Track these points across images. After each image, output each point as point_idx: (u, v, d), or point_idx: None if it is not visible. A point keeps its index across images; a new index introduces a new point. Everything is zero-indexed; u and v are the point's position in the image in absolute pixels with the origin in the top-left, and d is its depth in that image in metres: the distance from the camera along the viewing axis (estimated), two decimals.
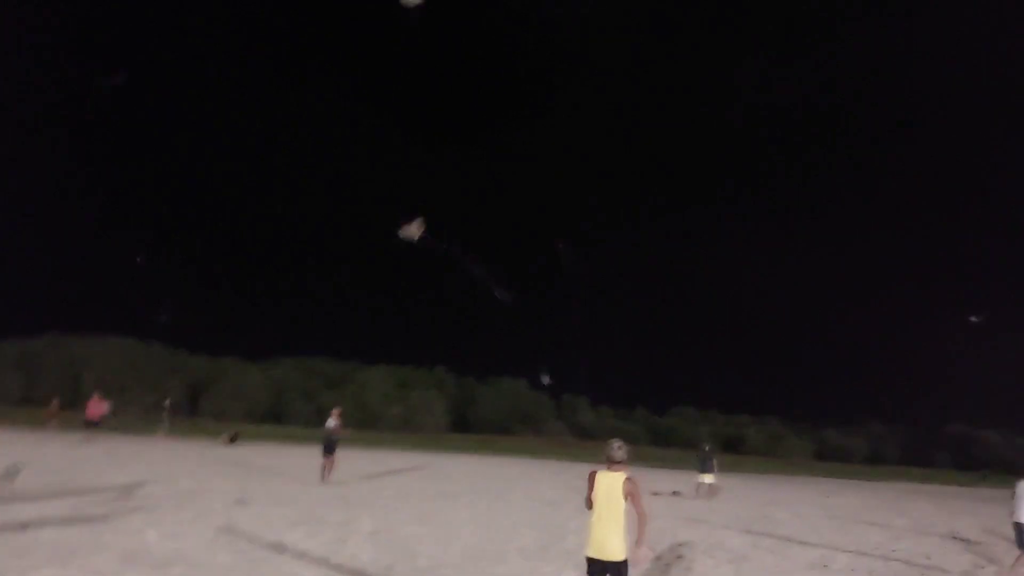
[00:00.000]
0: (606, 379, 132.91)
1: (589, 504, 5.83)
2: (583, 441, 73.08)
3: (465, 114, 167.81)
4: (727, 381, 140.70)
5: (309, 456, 28.31)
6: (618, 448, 5.87)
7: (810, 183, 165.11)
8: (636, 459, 51.55)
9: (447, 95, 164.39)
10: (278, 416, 67.11)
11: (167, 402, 38.88)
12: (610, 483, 5.73)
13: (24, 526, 9.53)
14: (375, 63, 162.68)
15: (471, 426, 76.33)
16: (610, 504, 5.66)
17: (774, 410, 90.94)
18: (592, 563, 5.66)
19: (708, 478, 22.78)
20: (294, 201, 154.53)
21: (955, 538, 16.29)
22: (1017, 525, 10.74)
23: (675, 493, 24.18)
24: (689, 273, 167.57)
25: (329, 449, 18.83)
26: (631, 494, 5.63)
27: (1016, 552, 10.99)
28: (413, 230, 9.33)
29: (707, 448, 23.63)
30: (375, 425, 66.59)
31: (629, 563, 5.60)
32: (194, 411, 62.37)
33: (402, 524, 12.44)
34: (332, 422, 19.03)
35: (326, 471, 18.87)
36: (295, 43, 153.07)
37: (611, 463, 5.83)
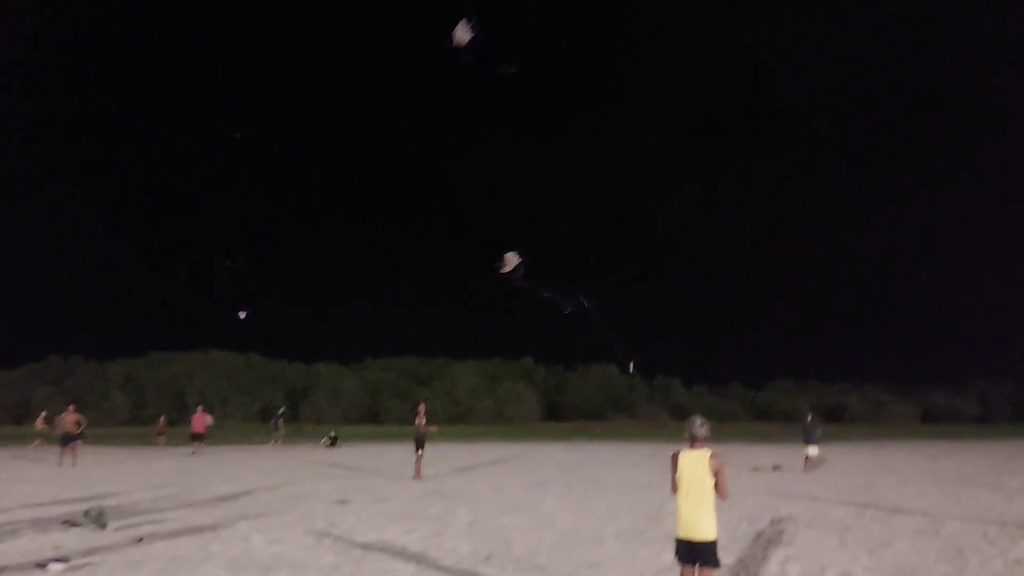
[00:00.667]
0: (699, 358, 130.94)
1: (674, 487, 5.72)
2: (678, 422, 72.30)
3: (528, 105, 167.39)
4: (825, 350, 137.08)
5: (405, 454, 28.86)
6: (700, 425, 5.76)
7: (900, 141, 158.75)
8: (735, 435, 50.84)
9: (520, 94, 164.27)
10: (374, 416, 68.63)
11: (281, 411, 40.03)
12: (695, 461, 5.61)
13: (138, 540, 10.00)
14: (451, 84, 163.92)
15: (562, 414, 76.41)
16: (697, 482, 5.55)
17: (875, 376, 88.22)
18: (682, 544, 5.57)
19: (812, 449, 22.21)
20: (375, 205, 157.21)
21: None
22: None
23: (776, 467, 23.67)
24: (780, 244, 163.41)
25: (419, 445, 19.17)
26: (717, 471, 5.51)
27: None
28: (510, 262, 9.44)
29: (810, 419, 23.00)
30: (467, 419, 67.37)
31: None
32: (294, 417, 64.31)
33: (497, 515, 12.56)
34: (418, 419, 19.41)
35: (415, 470, 19.24)
36: (364, 60, 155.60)
37: (694, 440, 5.72)
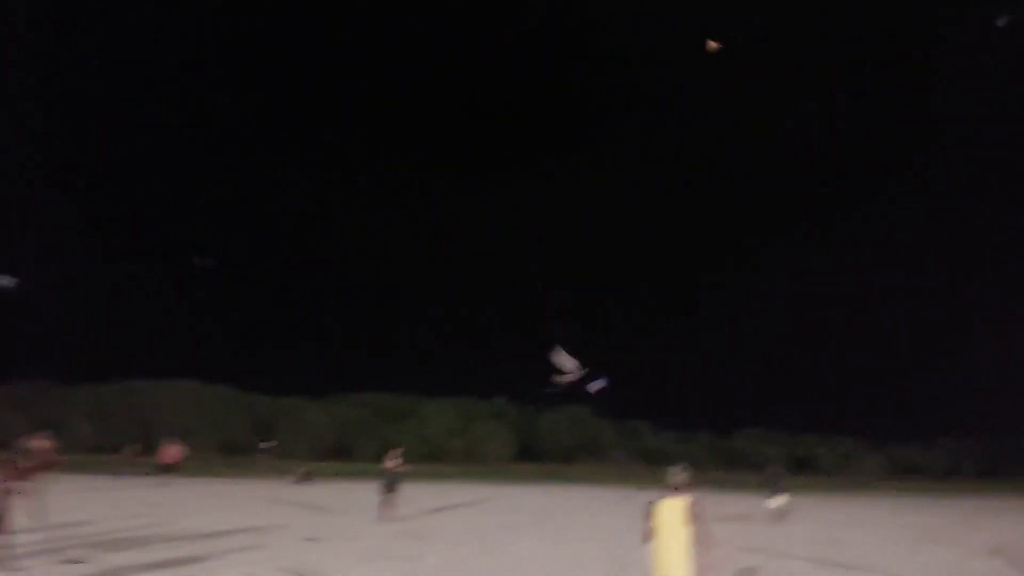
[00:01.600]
0: (668, 403, 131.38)
1: (647, 535, 5.80)
2: (647, 467, 72.36)
3: (510, 145, 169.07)
4: (794, 401, 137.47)
5: (375, 492, 28.84)
6: (679, 473, 5.90)
7: (867, 195, 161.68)
8: (701, 483, 51.05)
9: (500, 127, 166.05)
10: (341, 452, 68.05)
11: (268, 445, 39.78)
12: (672, 509, 5.70)
13: (108, 572, 10.08)
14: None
15: (535, 455, 76.27)
16: (675, 530, 5.62)
17: (845, 429, 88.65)
18: None
19: (778, 500, 22.47)
20: (346, 238, 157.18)
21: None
22: None
23: (742, 517, 23.93)
24: (750, 292, 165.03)
25: (390, 487, 19.19)
26: (697, 517, 5.59)
27: None
28: (570, 370, 9.77)
29: (775, 470, 23.33)
30: (439, 458, 67.03)
31: None
32: (256, 452, 63.78)
33: (469, 557, 12.73)
34: (391, 461, 19.50)
35: (386, 509, 19.17)
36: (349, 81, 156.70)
37: (673, 488, 5.83)
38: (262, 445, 40.25)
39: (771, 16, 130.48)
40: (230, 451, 62.12)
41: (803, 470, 76.41)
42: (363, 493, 29.00)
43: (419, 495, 28.57)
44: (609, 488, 44.07)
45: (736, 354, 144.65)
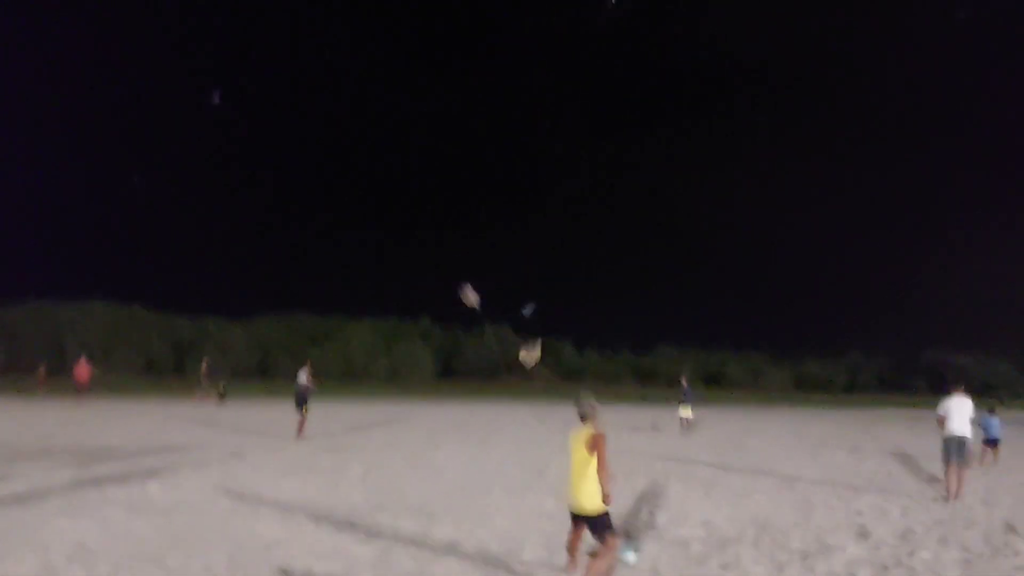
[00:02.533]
0: (590, 321, 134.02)
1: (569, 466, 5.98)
2: (570, 383, 74.20)
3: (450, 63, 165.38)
4: (707, 319, 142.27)
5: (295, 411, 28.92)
6: (583, 402, 5.98)
7: (784, 112, 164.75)
8: (621, 397, 52.82)
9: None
10: (264, 373, 67.59)
11: (204, 364, 39.03)
12: (578, 439, 5.87)
13: (32, 486, 10.03)
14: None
15: (458, 375, 77.26)
16: (580, 459, 5.79)
17: (754, 344, 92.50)
18: (573, 516, 5.92)
19: (686, 411, 23.36)
20: (269, 151, 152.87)
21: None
22: (949, 439, 11.25)
23: (654, 427, 25.01)
24: (666, 213, 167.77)
25: (301, 403, 18.48)
26: (594, 448, 5.70)
27: (947, 467, 11.29)
28: (470, 298, 9.62)
29: (684, 383, 24.25)
30: (362, 378, 67.27)
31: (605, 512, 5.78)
32: (179, 371, 62.65)
33: (391, 468, 13.06)
34: (303, 376, 18.98)
35: (300, 426, 18.50)
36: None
37: (582, 419, 5.97)
38: (202, 366, 39.51)
39: None
40: (150, 372, 61.03)
41: (714, 384, 79.62)
42: (284, 411, 29.09)
43: (342, 413, 28.80)
44: (530, 404, 45.13)
45: (652, 275, 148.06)
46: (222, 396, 35.14)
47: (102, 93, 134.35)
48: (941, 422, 11.54)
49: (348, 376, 65.70)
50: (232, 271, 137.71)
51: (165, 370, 61.67)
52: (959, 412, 11.35)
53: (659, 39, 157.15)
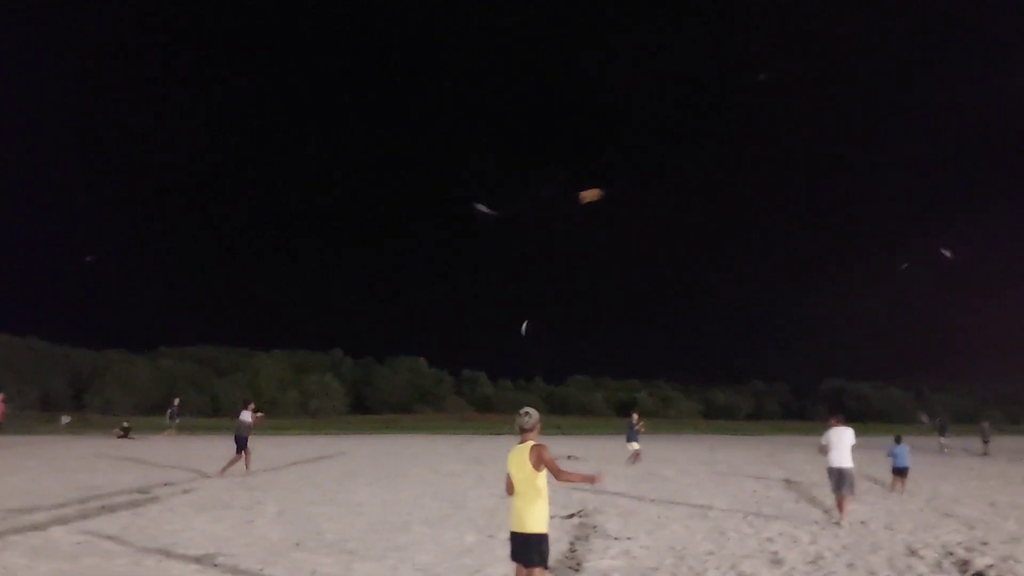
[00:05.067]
0: (505, 353, 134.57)
1: (509, 488, 5.72)
2: (484, 414, 74.13)
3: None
4: (619, 349, 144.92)
5: (205, 446, 28.08)
6: (524, 415, 5.73)
7: (686, 147, 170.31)
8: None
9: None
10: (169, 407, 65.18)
11: (176, 401, 37.45)
12: (521, 454, 5.62)
13: None
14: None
15: (370, 407, 76.24)
16: (524, 476, 5.56)
17: (664, 374, 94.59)
18: (514, 537, 5.60)
19: (634, 445, 23.68)
20: (173, 179, 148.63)
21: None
22: (830, 470, 11.81)
23: (570, 457, 25.24)
24: (578, 247, 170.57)
25: (242, 443, 18.29)
26: (539, 460, 5.50)
27: (836, 495, 11.81)
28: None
29: (633, 418, 24.56)
30: (272, 411, 65.65)
31: (597, 482, 5.71)
32: (78, 406, 59.82)
33: (307, 504, 12.82)
34: (246, 415, 18.86)
35: (246, 464, 18.38)
36: None
37: (521, 432, 5.73)
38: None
39: None
40: (46, 406, 58.08)
41: (625, 413, 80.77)
42: (192, 447, 28.17)
43: (254, 447, 27.99)
44: (446, 436, 44.91)
45: (565, 306, 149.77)
46: (125, 433, 33.89)
47: None
48: (823, 450, 12.06)
49: (257, 409, 63.90)
50: (135, 302, 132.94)
51: (63, 405, 58.72)
52: (839, 443, 11.80)
53: (552, 79, 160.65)
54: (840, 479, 11.60)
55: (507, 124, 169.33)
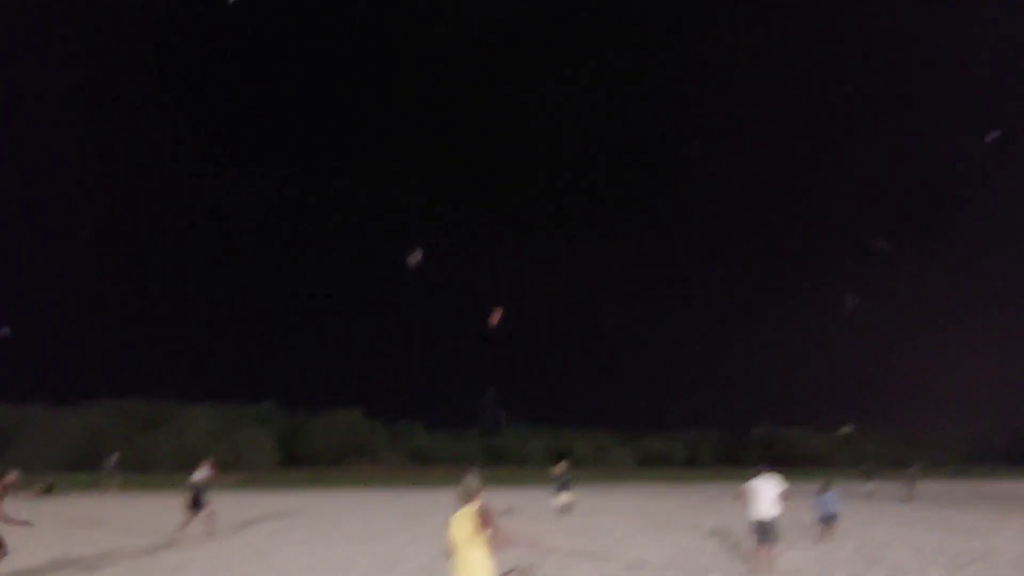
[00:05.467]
0: (439, 404, 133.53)
1: (448, 551, 5.70)
2: (420, 467, 73.13)
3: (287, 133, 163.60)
4: (555, 398, 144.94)
5: (131, 504, 27.09)
6: (468, 482, 5.77)
7: (616, 190, 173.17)
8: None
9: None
10: (94, 463, 62.63)
11: (114, 457, 36.03)
12: (463, 518, 5.63)
13: None
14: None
15: (302, 461, 74.50)
16: (467, 540, 5.55)
17: (599, 422, 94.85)
18: None
19: (565, 497, 23.62)
20: (106, 230, 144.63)
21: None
22: (751, 524, 11.75)
23: (508, 511, 25.06)
24: (511, 297, 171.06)
25: (196, 503, 17.60)
26: (484, 522, 5.51)
27: (757, 547, 11.77)
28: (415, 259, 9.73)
29: (565, 470, 24.53)
30: (199, 466, 63.67)
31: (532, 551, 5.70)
32: None
33: (236, 564, 12.49)
34: (199, 475, 18.28)
35: (209, 524, 17.73)
36: None
37: (465, 497, 5.74)
38: (112, 459, 36.91)
39: None
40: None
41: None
42: (118, 505, 27.13)
43: (180, 504, 27.12)
44: (379, 490, 44.14)
45: (479, 356, 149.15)
46: (48, 491, 32.54)
47: None
48: (738, 496, 11.98)
49: (185, 464, 61.86)
50: (56, 354, 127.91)
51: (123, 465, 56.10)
52: (764, 493, 11.60)
53: (483, 121, 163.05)
54: (763, 532, 11.51)
55: (437, 164, 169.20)
